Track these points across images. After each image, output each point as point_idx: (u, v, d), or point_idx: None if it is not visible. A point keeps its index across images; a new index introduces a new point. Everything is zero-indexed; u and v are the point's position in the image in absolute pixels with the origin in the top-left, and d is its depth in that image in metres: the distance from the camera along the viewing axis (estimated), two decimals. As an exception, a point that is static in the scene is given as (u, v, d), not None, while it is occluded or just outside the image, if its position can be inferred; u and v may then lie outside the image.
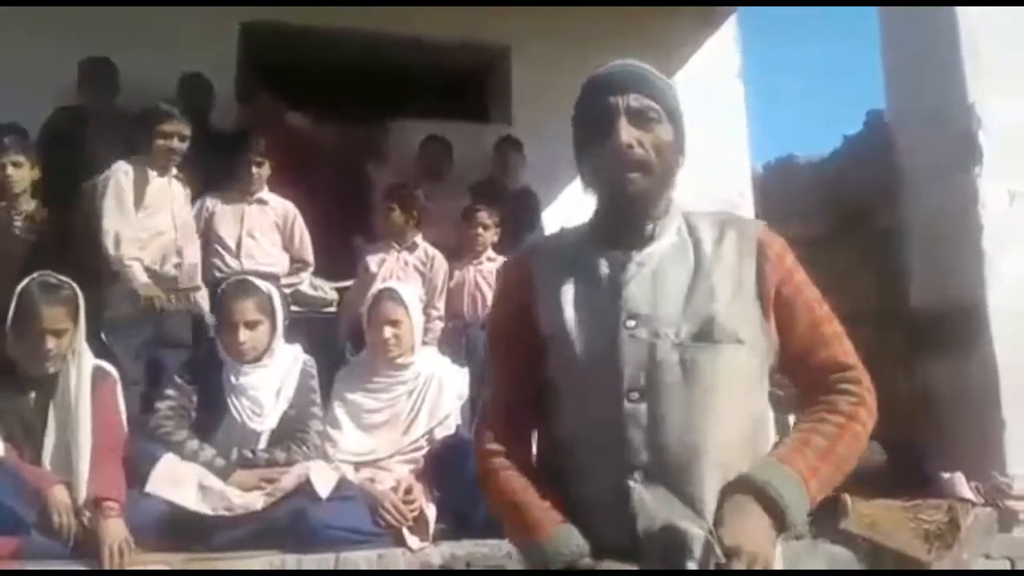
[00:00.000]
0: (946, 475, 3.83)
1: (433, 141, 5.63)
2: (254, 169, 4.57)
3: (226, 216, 4.56)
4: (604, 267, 1.50)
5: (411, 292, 3.92)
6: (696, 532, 1.32)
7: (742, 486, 1.38)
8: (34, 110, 4.85)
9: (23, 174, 4.15)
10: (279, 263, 4.64)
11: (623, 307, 1.45)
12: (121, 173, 4.17)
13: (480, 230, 4.81)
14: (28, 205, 4.19)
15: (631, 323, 1.44)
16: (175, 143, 4.25)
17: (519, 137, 5.94)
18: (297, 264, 4.72)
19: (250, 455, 3.32)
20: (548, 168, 5.92)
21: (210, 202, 4.57)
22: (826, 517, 3.37)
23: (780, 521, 1.37)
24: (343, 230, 5.00)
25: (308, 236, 4.71)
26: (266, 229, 4.61)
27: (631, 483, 1.39)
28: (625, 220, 1.52)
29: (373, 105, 5.83)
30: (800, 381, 1.55)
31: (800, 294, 1.52)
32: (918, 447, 4.14)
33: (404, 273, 4.61)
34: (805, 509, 1.40)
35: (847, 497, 3.39)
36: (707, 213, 1.58)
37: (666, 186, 1.52)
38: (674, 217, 1.54)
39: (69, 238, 4.17)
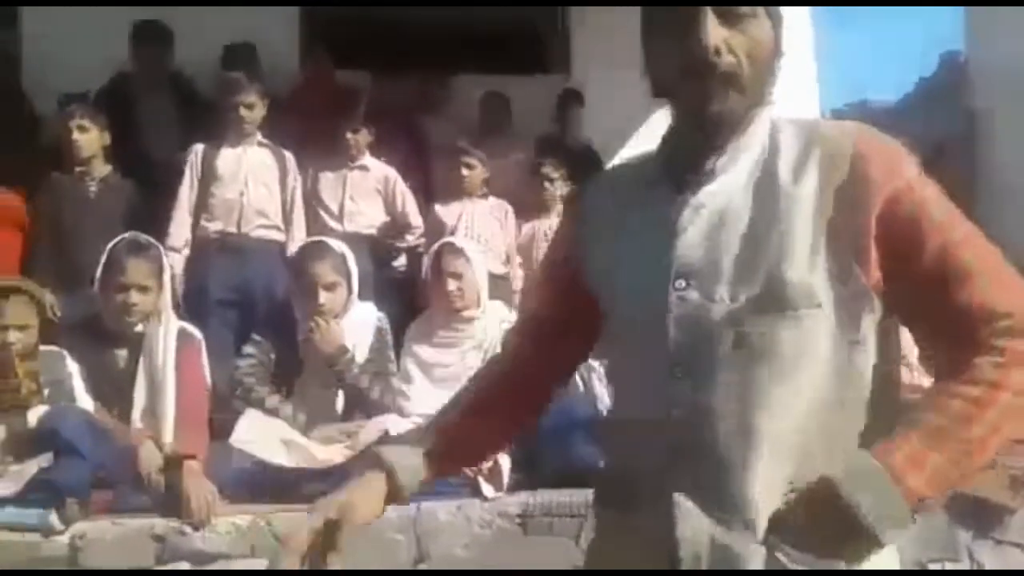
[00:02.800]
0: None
1: (492, 97, 5.60)
2: (350, 135, 4.63)
3: (328, 182, 4.65)
4: (660, 209, 1.19)
5: (472, 244, 3.95)
6: (752, 550, 1.08)
7: (814, 493, 1.08)
8: (98, 76, 4.93)
9: (91, 138, 4.23)
10: (380, 225, 4.71)
11: (673, 263, 1.15)
12: (191, 156, 4.31)
13: (547, 184, 4.78)
14: (102, 170, 4.29)
15: (680, 283, 1.14)
16: (251, 113, 4.33)
17: (578, 88, 5.88)
18: (403, 225, 4.77)
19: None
20: (608, 119, 5.88)
21: (313, 169, 4.65)
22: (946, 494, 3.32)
23: (859, 531, 1.04)
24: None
25: (412, 198, 4.77)
26: (367, 193, 4.68)
27: (672, 481, 1.12)
28: (695, 146, 1.19)
29: (432, 61, 5.80)
30: (932, 336, 1.16)
31: (923, 215, 1.10)
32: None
33: (483, 222, 4.64)
34: (900, 513, 1.03)
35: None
36: (800, 123, 1.20)
37: (758, 99, 1.16)
38: (756, 138, 1.18)
39: (139, 207, 4.27)
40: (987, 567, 3.38)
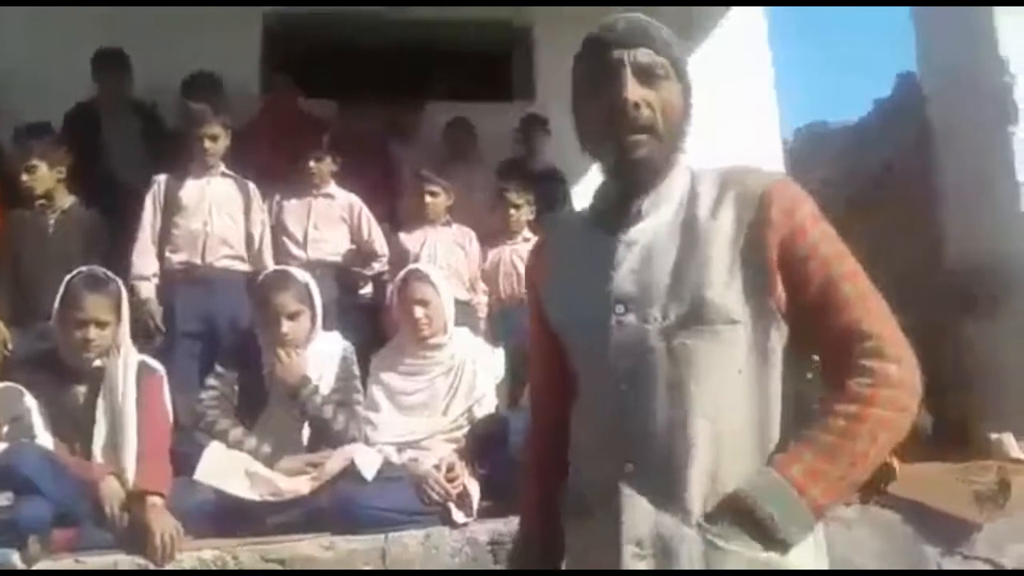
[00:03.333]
0: (994, 436, 3.79)
1: (457, 124, 5.61)
2: (312, 164, 4.63)
3: (293, 210, 4.64)
4: (597, 250, 1.40)
5: (438, 272, 3.94)
6: (687, 534, 1.27)
7: (731, 503, 1.26)
8: (60, 105, 4.92)
9: (42, 176, 4.19)
10: (345, 253, 4.70)
11: (612, 292, 1.35)
12: (154, 186, 4.28)
13: (512, 210, 4.79)
14: (64, 201, 4.25)
15: (620, 308, 1.34)
16: (214, 145, 4.31)
17: (543, 114, 5.92)
18: (368, 253, 4.76)
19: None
20: (574, 145, 5.91)
21: (279, 196, 4.65)
22: (874, 482, 3.34)
23: (773, 536, 1.24)
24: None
25: (377, 226, 4.76)
26: (332, 221, 4.68)
27: (621, 479, 1.31)
28: (622, 191, 1.40)
29: (398, 88, 5.82)
30: (822, 360, 1.35)
31: (814, 250, 1.31)
32: (964, 409, 4.10)
33: (447, 249, 4.63)
34: (805, 523, 1.25)
35: (895, 461, 3.35)
36: (715, 171, 1.41)
37: (673, 151, 1.39)
38: (676, 185, 1.40)
39: (99, 237, 4.23)
40: (957, 583, 3.40)
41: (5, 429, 3.03)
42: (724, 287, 1.30)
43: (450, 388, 3.61)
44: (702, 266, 1.31)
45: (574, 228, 1.51)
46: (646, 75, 1.36)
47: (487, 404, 3.63)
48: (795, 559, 1.27)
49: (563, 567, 1.50)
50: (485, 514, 3.26)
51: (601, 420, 1.35)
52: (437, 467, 3.28)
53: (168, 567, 2.88)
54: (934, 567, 3.38)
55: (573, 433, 1.45)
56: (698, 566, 1.26)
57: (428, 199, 4.64)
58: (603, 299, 1.36)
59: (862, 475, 1.28)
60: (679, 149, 1.40)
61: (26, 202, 4.20)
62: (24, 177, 4.15)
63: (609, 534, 1.30)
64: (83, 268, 3.38)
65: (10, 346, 3.77)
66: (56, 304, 3.24)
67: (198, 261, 4.24)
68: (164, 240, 4.26)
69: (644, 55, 1.36)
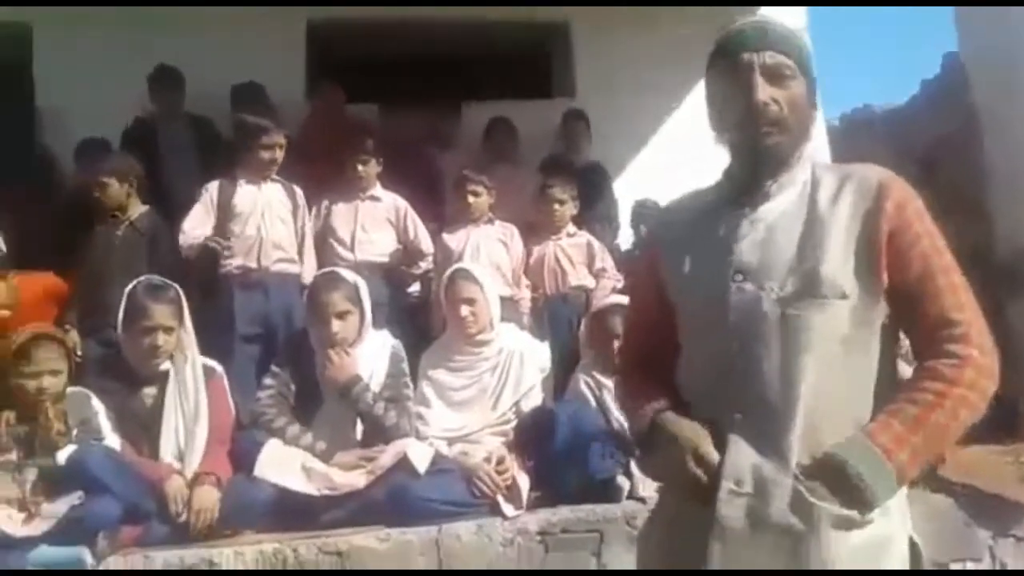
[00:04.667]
0: (1044, 418, 3.75)
1: (498, 123, 5.67)
2: (360, 168, 4.72)
3: (340, 213, 4.73)
4: (721, 227, 1.57)
5: (484, 270, 4.01)
6: (783, 482, 1.42)
7: (826, 462, 1.42)
8: (115, 118, 5.12)
9: (109, 194, 4.37)
10: (392, 253, 4.78)
11: (733, 263, 1.52)
12: (205, 193, 4.40)
13: (556, 206, 4.83)
14: (134, 212, 4.42)
15: (739, 277, 1.50)
16: (276, 154, 4.45)
17: (583, 109, 5.96)
18: (415, 252, 4.85)
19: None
20: (614, 138, 5.96)
21: (327, 201, 4.75)
22: (924, 466, 3.34)
23: (862, 499, 1.40)
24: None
25: (422, 226, 4.84)
26: (379, 223, 4.76)
27: (729, 425, 1.47)
28: (752, 177, 1.56)
29: (439, 92, 5.91)
30: (913, 339, 1.52)
31: (917, 243, 1.48)
32: (1013, 392, 4.04)
33: (489, 246, 4.68)
34: (890, 486, 1.41)
35: (942, 444, 3.34)
36: (836, 166, 1.60)
37: (800, 141, 1.56)
38: (800, 172, 1.57)
39: (160, 242, 4.38)
40: (1010, 566, 3.38)
41: (75, 432, 3.17)
42: (839, 265, 1.46)
43: (498, 383, 3.69)
44: (820, 245, 1.48)
45: (694, 208, 1.67)
46: (773, 75, 1.52)
47: (534, 397, 3.70)
48: (879, 518, 1.43)
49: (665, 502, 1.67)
50: (534, 505, 3.33)
51: (713, 376, 1.51)
52: (487, 460, 3.36)
53: (222, 555, 2.98)
54: (985, 550, 3.37)
55: (683, 392, 1.60)
56: (785, 512, 1.41)
57: (471, 199, 4.71)
58: (724, 268, 1.52)
59: (941, 447, 1.46)
60: (806, 139, 1.57)
61: (102, 216, 4.40)
62: (96, 194, 4.35)
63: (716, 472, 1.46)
64: (141, 279, 3.53)
65: (79, 352, 3.93)
66: (121, 315, 3.40)
67: (254, 265, 4.35)
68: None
69: (771, 57, 1.53)
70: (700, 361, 1.58)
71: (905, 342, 1.57)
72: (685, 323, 1.62)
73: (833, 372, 1.45)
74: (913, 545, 1.51)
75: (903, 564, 1.48)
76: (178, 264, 4.20)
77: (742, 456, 1.45)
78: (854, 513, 1.40)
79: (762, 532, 1.42)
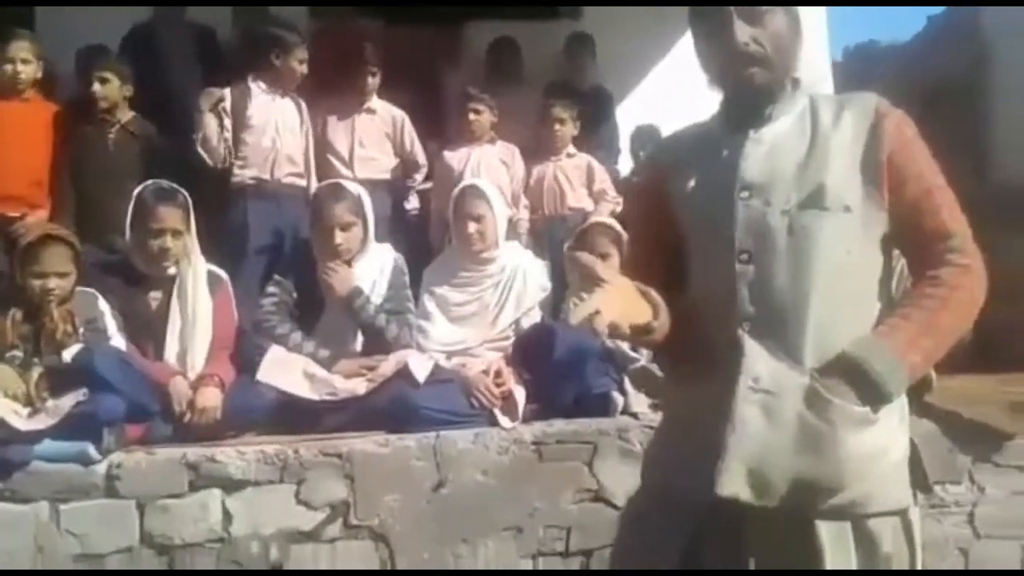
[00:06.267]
0: (1034, 349, 3.82)
1: (501, 43, 5.60)
2: (369, 79, 4.69)
3: (337, 127, 4.70)
4: (724, 149, 1.62)
5: (493, 187, 4.02)
6: (799, 381, 1.49)
7: (843, 361, 1.49)
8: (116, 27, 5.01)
9: (111, 88, 4.32)
10: (391, 169, 4.78)
11: (738, 179, 1.57)
12: (217, 97, 4.35)
13: (557, 125, 4.82)
14: (124, 115, 4.38)
15: (744, 193, 1.56)
16: (304, 68, 4.43)
17: (589, 32, 5.90)
18: (411, 164, 4.85)
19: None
20: (619, 62, 5.90)
21: (323, 113, 4.69)
22: (910, 392, 3.41)
23: (878, 395, 1.47)
24: (417, 134, 5.05)
25: (417, 139, 4.83)
26: (377, 138, 4.73)
27: (741, 332, 1.53)
28: (748, 107, 1.61)
29: (443, 6, 5.82)
30: (910, 253, 1.60)
31: (914, 163, 1.56)
32: (1006, 323, 4.11)
33: (490, 165, 4.67)
34: (903, 382, 1.50)
35: (931, 371, 3.42)
36: (831, 96, 1.66)
37: (787, 72, 1.60)
38: (797, 99, 1.62)
39: (156, 150, 4.36)
40: (987, 489, 3.48)
41: (81, 331, 3.22)
42: (842, 179, 1.53)
43: (500, 299, 3.73)
44: (823, 160, 1.54)
45: (697, 134, 1.73)
46: (751, 14, 1.55)
47: (534, 316, 3.75)
48: (884, 418, 1.51)
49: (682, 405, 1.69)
50: (530, 418, 3.40)
51: (722, 290, 1.56)
52: (485, 372, 3.42)
53: (224, 455, 3.05)
54: (965, 476, 3.47)
55: (689, 307, 1.62)
56: (801, 409, 1.48)
57: (472, 116, 4.68)
58: (730, 185, 1.57)
59: (944, 348, 1.54)
60: (793, 69, 1.61)
61: (88, 118, 4.34)
62: (96, 87, 4.27)
63: (726, 376, 1.51)
64: (149, 183, 3.54)
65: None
66: (129, 216, 3.42)
67: (267, 177, 4.35)
68: (232, 154, 4.35)
69: None
70: (707, 276, 1.62)
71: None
72: (691, 239, 1.67)
73: (840, 282, 1.53)
74: (913, 445, 1.59)
75: (905, 463, 1.57)
76: (178, 170, 4.18)
77: (758, 356, 1.52)
78: (868, 410, 1.48)
79: (777, 427, 1.49)
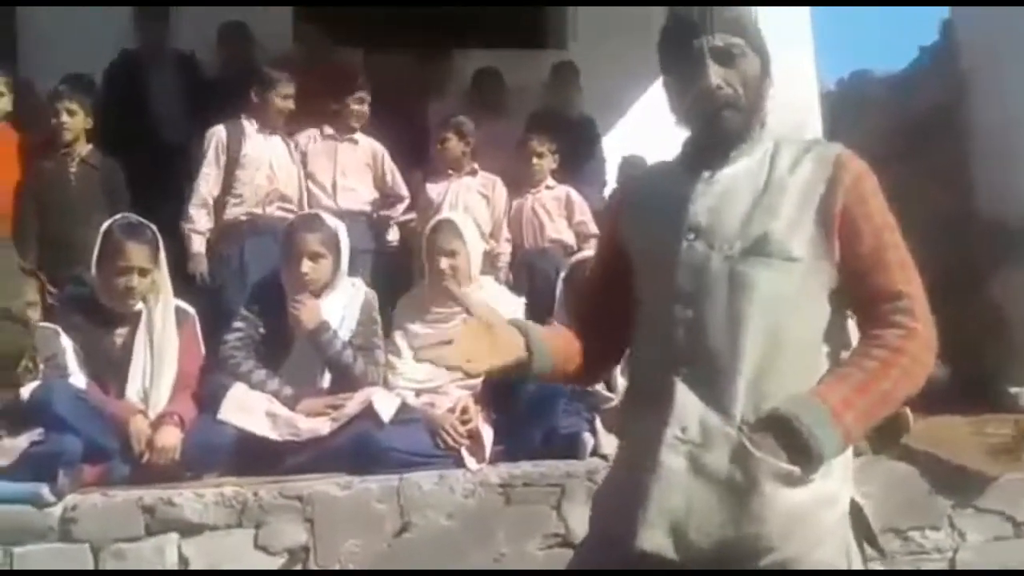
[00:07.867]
0: (1013, 390, 3.76)
1: (485, 73, 5.59)
2: (356, 107, 4.68)
3: (319, 155, 4.68)
4: (679, 187, 1.59)
5: (469, 221, 3.97)
6: (727, 433, 1.45)
7: (774, 417, 1.43)
8: (100, 56, 5.02)
9: (75, 122, 4.31)
10: (372, 201, 4.77)
11: (686, 221, 1.54)
12: (214, 140, 4.38)
13: (535, 159, 4.78)
14: (82, 149, 4.37)
15: (691, 235, 1.53)
16: (290, 105, 4.49)
17: (575, 62, 5.87)
18: (391, 198, 4.83)
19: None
20: (605, 93, 5.88)
21: (303, 141, 4.69)
22: (887, 433, 3.34)
23: (808, 456, 1.41)
24: (401, 165, 5.02)
25: (398, 172, 4.82)
26: (358, 168, 4.72)
27: (675, 378, 1.49)
28: (710, 148, 1.59)
29: (429, 38, 5.80)
30: (858, 310, 1.55)
31: (870, 219, 1.51)
32: (985, 362, 4.05)
33: (468, 198, 4.64)
34: (837, 443, 1.42)
35: (908, 412, 3.35)
36: (796, 140, 1.61)
37: (756, 115, 1.59)
38: (761, 143, 1.59)
39: (118, 185, 4.35)
40: (968, 535, 3.41)
41: (41, 367, 3.16)
42: (790, 228, 1.49)
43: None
44: (773, 208, 1.51)
45: (659, 172, 1.75)
46: (724, 56, 1.54)
47: (506, 352, 3.68)
48: (820, 480, 1.44)
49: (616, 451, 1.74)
50: (498, 458, 3.33)
51: (662, 332, 1.54)
52: (451, 410, 3.36)
53: (182, 497, 2.98)
54: (945, 520, 3.39)
55: (634, 347, 1.66)
56: (728, 463, 1.44)
57: (439, 146, 4.67)
58: (678, 226, 1.55)
59: (884, 413, 1.48)
60: (761, 111, 1.59)
61: (49, 151, 4.33)
62: (64, 119, 4.26)
63: (659, 423, 1.48)
64: (117, 217, 3.49)
65: (52, 290, 3.91)
66: (96, 253, 3.35)
67: (260, 212, 4.39)
68: (226, 192, 4.39)
69: (720, 39, 1.54)
70: (650, 316, 1.60)
71: None
72: (637, 277, 1.65)
73: (779, 332, 1.48)
74: (856, 507, 1.52)
75: (844, 525, 1.50)
76: (140, 201, 4.16)
77: (688, 405, 1.48)
78: (796, 469, 1.42)
79: (702, 481, 1.45)
